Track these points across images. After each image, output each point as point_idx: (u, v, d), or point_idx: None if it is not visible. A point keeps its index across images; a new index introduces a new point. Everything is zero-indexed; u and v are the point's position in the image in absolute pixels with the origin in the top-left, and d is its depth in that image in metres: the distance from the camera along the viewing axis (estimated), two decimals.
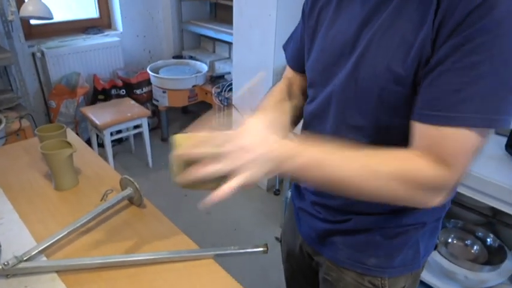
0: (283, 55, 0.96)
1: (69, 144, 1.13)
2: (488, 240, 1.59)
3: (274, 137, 0.58)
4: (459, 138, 0.53)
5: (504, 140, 1.49)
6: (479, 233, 1.61)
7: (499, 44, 0.49)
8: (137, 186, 1.05)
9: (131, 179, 1.06)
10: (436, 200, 0.58)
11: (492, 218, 1.48)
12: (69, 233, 0.92)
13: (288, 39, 0.92)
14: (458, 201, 1.56)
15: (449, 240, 1.64)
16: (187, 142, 0.64)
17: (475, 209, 1.48)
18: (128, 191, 1.07)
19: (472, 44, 0.49)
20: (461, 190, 1.34)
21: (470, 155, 0.54)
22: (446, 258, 1.50)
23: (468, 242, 1.62)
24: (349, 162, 0.57)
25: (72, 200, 1.11)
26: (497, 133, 1.55)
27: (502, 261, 1.47)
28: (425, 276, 1.59)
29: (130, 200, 1.10)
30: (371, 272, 0.78)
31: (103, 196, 1.11)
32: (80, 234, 0.96)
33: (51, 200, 1.10)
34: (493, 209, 1.32)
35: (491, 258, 1.54)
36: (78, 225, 0.94)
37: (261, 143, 0.56)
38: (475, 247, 1.60)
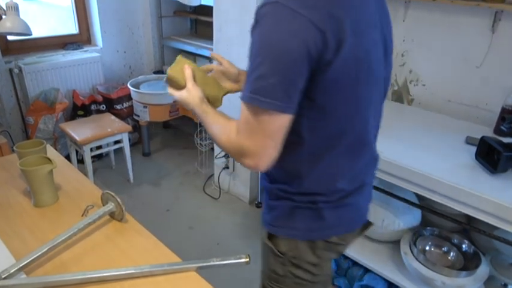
0: None
1: (49, 160, 1.13)
2: (464, 246, 1.64)
3: (201, 94, 0.96)
4: (241, 109, 0.78)
5: (474, 149, 1.57)
6: (455, 240, 1.66)
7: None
8: (119, 200, 1.05)
9: (112, 193, 1.07)
10: (246, 162, 0.80)
11: (466, 225, 1.54)
12: (49, 250, 0.91)
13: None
14: (433, 209, 1.61)
15: (427, 247, 1.69)
16: (181, 65, 1.00)
17: (450, 217, 1.54)
18: (109, 206, 1.07)
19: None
20: (436, 198, 1.39)
21: (245, 125, 0.78)
22: (424, 265, 1.54)
23: (445, 248, 1.67)
24: (212, 119, 0.90)
25: (52, 216, 1.10)
26: (468, 143, 1.63)
27: (477, 266, 1.52)
28: (405, 283, 1.62)
29: (112, 215, 1.10)
30: (264, 224, 1.01)
31: (84, 212, 1.11)
32: (60, 250, 0.96)
33: (31, 216, 1.09)
34: (467, 216, 1.37)
35: (467, 263, 1.59)
36: (58, 241, 0.94)
37: (195, 94, 0.95)
38: (452, 253, 1.65)
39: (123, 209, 1.06)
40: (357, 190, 0.95)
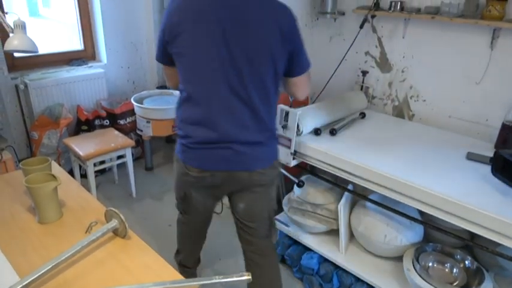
0: None
1: (53, 177, 1.14)
2: (467, 262, 1.63)
3: None
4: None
5: (475, 165, 1.57)
6: (458, 256, 1.66)
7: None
8: (122, 218, 1.06)
9: (116, 210, 1.08)
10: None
11: (469, 241, 1.54)
12: (53, 267, 0.92)
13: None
14: (435, 225, 1.61)
15: (430, 264, 1.68)
16: None
17: (452, 233, 1.53)
18: (113, 223, 1.08)
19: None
20: (437, 214, 1.39)
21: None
22: (427, 282, 1.53)
23: (448, 265, 1.66)
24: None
25: (56, 233, 1.11)
26: (469, 159, 1.63)
27: (480, 283, 1.51)
28: None
29: (115, 232, 1.11)
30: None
31: (88, 228, 1.12)
32: (64, 267, 0.96)
33: (35, 233, 1.10)
34: (470, 232, 1.37)
35: (470, 280, 1.58)
36: (62, 258, 0.94)
37: None
38: (455, 270, 1.64)
39: (127, 226, 1.07)
40: None
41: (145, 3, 3.24)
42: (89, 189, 2.50)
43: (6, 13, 2.19)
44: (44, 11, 4.90)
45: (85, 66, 3.07)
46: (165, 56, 1.32)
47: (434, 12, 1.88)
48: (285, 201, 2.11)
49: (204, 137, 1.30)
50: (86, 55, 3.18)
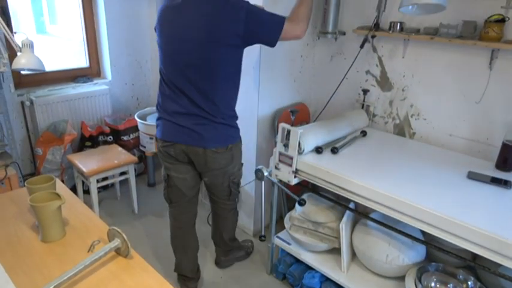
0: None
1: (58, 196, 1.16)
2: (470, 283, 1.62)
3: None
4: None
5: (477, 184, 1.58)
6: (461, 276, 1.65)
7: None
8: (125, 237, 1.07)
9: (119, 230, 1.09)
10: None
11: (470, 262, 1.53)
12: (55, 287, 0.93)
13: None
14: (437, 245, 1.60)
15: (432, 284, 1.67)
16: None
17: (454, 253, 1.53)
18: (115, 242, 1.09)
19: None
20: (439, 234, 1.39)
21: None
22: None
23: (450, 285, 1.65)
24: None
25: (59, 251, 1.12)
26: (470, 178, 1.64)
27: None
28: None
29: (117, 251, 1.11)
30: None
31: (90, 247, 1.13)
32: (66, 287, 0.97)
33: (38, 252, 1.11)
34: (472, 252, 1.37)
35: None
36: (64, 278, 0.95)
37: None
38: None
39: (129, 245, 1.08)
40: None
41: (150, 22, 3.31)
42: (91, 206, 2.51)
43: (15, 33, 2.25)
44: (51, 29, 5.00)
45: (90, 83, 3.12)
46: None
47: (433, 33, 1.92)
48: (286, 219, 2.11)
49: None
50: (91, 72, 3.23)
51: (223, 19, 1.49)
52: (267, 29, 1.56)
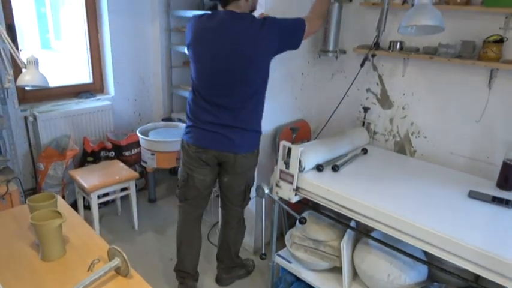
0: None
1: (58, 214, 1.16)
2: None
3: None
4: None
5: (478, 203, 1.58)
6: None
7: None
8: (125, 256, 1.07)
9: (119, 249, 1.08)
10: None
11: (473, 283, 1.51)
12: None
13: None
14: (439, 265, 1.59)
15: None
16: None
17: (456, 274, 1.52)
18: (115, 261, 1.08)
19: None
20: (440, 254, 1.38)
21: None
22: None
23: None
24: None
25: (58, 270, 1.11)
26: (471, 197, 1.64)
27: None
28: None
29: (117, 271, 1.11)
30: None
31: (90, 266, 1.12)
32: None
33: (38, 271, 1.11)
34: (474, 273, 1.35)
35: None
36: None
37: None
38: None
39: (129, 264, 1.08)
40: None
41: (154, 39, 3.36)
42: (91, 221, 2.50)
43: (20, 50, 2.29)
44: (56, 44, 5.07)
45: (93, 98, 3.15)
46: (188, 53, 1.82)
47: (433, 52, 1.94)
48: (287, 237, 2.10)
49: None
50: (94, 88, 3.27)
51: (260, 38, 1.65)
52: (295, 36, 1.75)
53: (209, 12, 1.76)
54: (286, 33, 1.72)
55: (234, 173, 1.88)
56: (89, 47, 3.17)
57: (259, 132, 1.90)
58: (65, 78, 3.43)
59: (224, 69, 1.69)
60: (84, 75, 3.27)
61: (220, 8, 1.73)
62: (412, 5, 1.62)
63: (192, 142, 1.83)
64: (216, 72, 1.71)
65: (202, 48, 1.71)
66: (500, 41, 1.73)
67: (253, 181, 2.03)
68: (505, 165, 1.72)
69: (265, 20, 1.68)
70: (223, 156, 1.83)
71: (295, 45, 1.79)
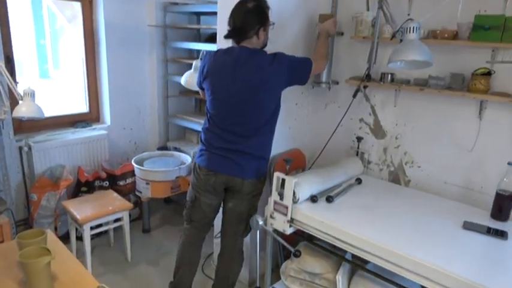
0: None
1: (48, 251, 1.15)
2: None
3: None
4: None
5: (472, 234, 1.56)
6: None
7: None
8: None
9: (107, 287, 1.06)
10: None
11: None
12: None
13: None
14: None
15: None
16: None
17: None
18: None
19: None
20: None
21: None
22: None
23: None
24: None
25: None
26: (466, 228, 1.63)
27: None
28: None
29: None
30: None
31: None
32: None
33: None
34: None
35: None
36: None
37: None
38: None
39: None
40: None
41: (151, 70, 3.42)
42: (84, 253, 2.46)
43: (17, 83, 2.32)
44: (54, 73, 5.13)
45: (89, 128, 3.16)
46: (200, 85, 1.97)
47: (423, 84, 1.98)
48: (282, 269, 2.06)
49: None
50: (90, 117, 3.29)
51: (270, 72, 1.78)
52: (303, 72, 1.89)
53: (223, 48, 1.89)
54: (295, 69, 1.85)
55: (239, 198, 1.93)
56: (86, 77, 3.21)
57: (267, 160, 1.99)
58: (62, 107, 3.45)
59: (238, 100, 1.80)
60: (81, 104, 3.30)
61: (233, 43, 1.86)
62: (401, 40, 1.67)
63: (204, 165, 1.91)
64: (230, 104, 1.82)
65: (218, 81, 1.84)
66: (488, 73, 1.78)
67: (256, 210, 2.03)
68: (498, 195, 1.73)
69: (276, 55, 1.81)
70: (231, 180, 1.89)
71: (302, 81, 1.92)
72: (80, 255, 2.56)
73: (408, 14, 2.00)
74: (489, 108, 1.86)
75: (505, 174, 1.70)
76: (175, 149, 3.35)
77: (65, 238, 2.72)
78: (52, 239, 1.46)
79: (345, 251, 1.75)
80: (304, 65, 1.90)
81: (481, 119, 1.89)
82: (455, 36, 1.84)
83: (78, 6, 3.05)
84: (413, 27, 1.62)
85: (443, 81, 1.90)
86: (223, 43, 1.95)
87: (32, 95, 2.19)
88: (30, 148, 2.77)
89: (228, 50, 1.86)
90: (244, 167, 1.87)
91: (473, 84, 1.80)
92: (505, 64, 1.75)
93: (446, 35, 1.84)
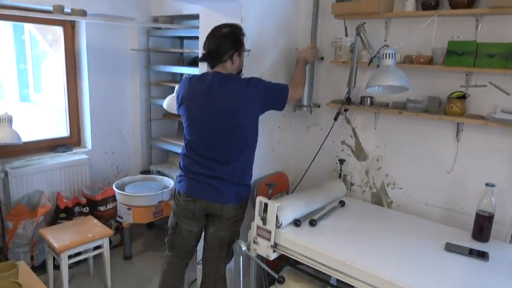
0: None
1: (18, 286, 1.10)
2: None
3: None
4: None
5: (454, 256, 1.57)
6: None
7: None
8: None
9: None
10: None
11: None
12: None
13: None
14: None
15: None
16: None
17: None
18: None
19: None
20: None
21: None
22: None
23: None
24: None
25: None
26: (448, 250, 1.63)
27: None
28: None
29: None
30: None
31: None
32: None
33: None
34: None
35: None
36: None
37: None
38: None
39: None
40: None
41: (134, 93, 3.41)
42: (61, 283, 2.36)
43: None
44: (35, 97, 5.07)
45: (69, 152, 3.10)
46: (178, 111, 1.97)
47: (401, 107, 2.02)
48: None
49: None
50: (71, 141, 3.23)
51: (245, 97, 1.78)
52: (279, 98, 1.90)
53: (197, 74, 1.92)
54: (271, 95, 1.86)
55: (220, 222, 1.91)
56: (67, 101, 3.17)
57: (248, 186, 1.96)
58: (42, 131, 3.39)
59: (213, 126, 1.80)
60: (62, 128, 3.25)
61: (208, 68, 1.87)
62: (378, 65, 1.72)
63: (183, 191, 1.90)
64: (206, 130, 1.83)
65: (193, 107, 1.84)
66: (463, 97, 1.83)
67: (238, 236, 2.00)
68: (478, 216, 1.75)
69: (250, 80, 1.82)
70: (210, 206, 1.87)
71: (279, 106, 1.94)
72: (58, 285, 2.46)
73: (385, 40, 2.06)
74: (465, 130, 1.90)
75: (483, 194, 1.73)
76: (159, 173, 3.30)
77: (42, 268, 2.62)
78: (25, 272, 1.40)
79: (330, 276, 1.73)
80: (281, 92, 1.91)
81: (458, 140, 1.93)
82: (430, 61, 1.89)
83: (60, 30, 3.04)
84: (390, 53, 1.67)
85: (421, 104, 1.95)
86: (205, 67, 1.96)
87: (9, 120, 2.15)
88: (6, 174, 2.68)
89: (202, 76, 1.88)
90: (223, 192, 1.85)
91: (449, 107, 1.85)
92: (479, 88, 1.81)
93: (422, 60, 1.89)
